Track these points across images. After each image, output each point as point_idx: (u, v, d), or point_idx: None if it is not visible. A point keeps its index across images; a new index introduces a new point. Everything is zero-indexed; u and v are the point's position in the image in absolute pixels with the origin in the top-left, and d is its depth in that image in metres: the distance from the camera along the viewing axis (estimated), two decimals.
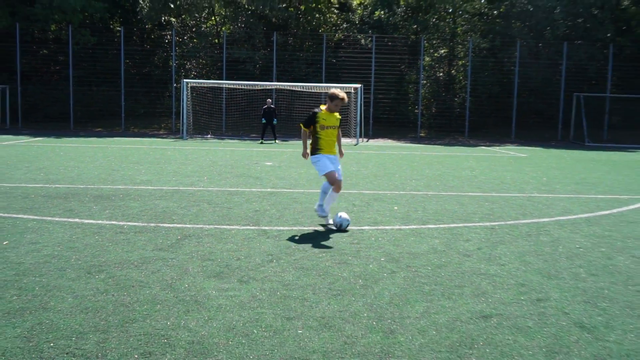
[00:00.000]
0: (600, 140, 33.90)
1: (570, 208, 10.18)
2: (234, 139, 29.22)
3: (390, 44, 35.43)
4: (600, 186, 13.46)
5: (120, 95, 33.44)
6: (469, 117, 34.74)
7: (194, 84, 31.00)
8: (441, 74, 38.05)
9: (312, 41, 35.99)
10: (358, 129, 29.64)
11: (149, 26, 36.89)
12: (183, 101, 29.34)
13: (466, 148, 27.52)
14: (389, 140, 31.46)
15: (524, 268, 6.19)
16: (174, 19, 37.05)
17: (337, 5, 37.43)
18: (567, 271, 6.13)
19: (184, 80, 30.06)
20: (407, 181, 13.41)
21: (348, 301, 4.99)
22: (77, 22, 32.33)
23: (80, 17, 32.42)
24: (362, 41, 36.27)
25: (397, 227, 8.18)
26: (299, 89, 31.03)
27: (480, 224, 8.56)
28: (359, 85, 29.49)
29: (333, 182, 8.05)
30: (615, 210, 10.04)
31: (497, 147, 28.45)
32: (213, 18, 38.22)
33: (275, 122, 26.88)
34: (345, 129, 31.02)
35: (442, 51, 37.81)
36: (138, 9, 36.54)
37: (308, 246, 6.87)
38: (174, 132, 32.37)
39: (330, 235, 7.48)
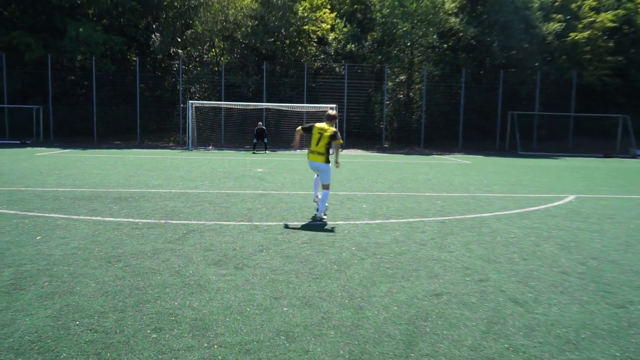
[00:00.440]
0: (530, 149, 34.34)
1: (506, 205, 10.30)
2: (231, 150, 29.08)
3: (359, 71, 35.55)
4: (530, 187, 13.63)
5: (136, 114, 33.11)
6: (424, 131, 34.95)
7: (198, 105, 30.85)
8: (401, 96, 38.23)
9: (295, 69, 35.98)
10: None
11: (160, 57, 36.61)
12: (188, 119, 29.16)
13: (422, 156, 27.70)
14: (359, 150, 31.55)
15: (468, 254, 6.25)
16: (180, 51, 36.78)
17: (315, 40, 37.47)
18: (503, 256, 6.20)
19: (189, 101, 29.89)
20: (373, 184, 13.46)
21: (325, 283, 5.00)
22: (99, 53, 31.98)
23: (102, 49, 32.08)
24: (337, 69, 36.32)
25: (366, 221, 8.21)
26: (285, 109, 31.15)
27: (433, 218, 8.62)
28: (334, 105, 29.50)
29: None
30: (542, 207, 10.18)
31: (447, 156, 28.68)
32: (213, 50, 38.02)
33: (265, 140, 27.03)
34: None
35: (402, 77, 38.01)
36: (151, 42, 36.21)
37: (292, 238, 6.87)
38: (181, 144, 32.13)
39: (310, 229, 7.48)
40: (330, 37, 37.88)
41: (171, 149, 29.20)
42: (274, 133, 32.00)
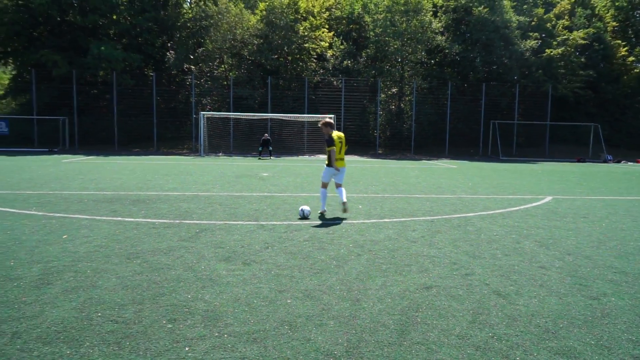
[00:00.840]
0: (510, 155, 34.35)
1: (489, 205, 10.28)
2: (239, 156, 29.06)
3: (355, 84, 35.58)
4: (511, 189, 13.61)
5: (152, 124, 33.10)
6: (414, 139, 34.98)
7: (209, 115, 30.82)
8: (393, 107, 38.25)
9: (297, 83, 35.99)
10: None
11: (174, 72, 36.61)
12: (200, 128, 29.16)
13: (412, 161, 27.69)
14: (355, 156, 31.53)
15: (455, 251, 6.22)
16: (193, 67, 36.81)
17: (315, 56, 37.50)
18: (487, 253, 6.17)
19: (201, 112, 29.89)
20: (368, 186, 13.44)
21: (325, 277, 4.98)
22: (119, 69, 32.00)
23: (122, 65, 32.10)
24: (334, 83, 36.36)
25: (362, 221, 8.18)
26: (288, 119, 31.18)
27: (423, 218, 8.60)
28: (332, 116, 29.45)
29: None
30: (522, 207, 10.15)
31: (435, 161, 28.66)
32: (223, 66, 38.05)
33: (270, 148, 27.09)
34: (322, 148, 31.06)
35: (394, 90, 38.05)
36: (166, 59, 36.28)
37: (295, 236, 6.84)
38: (194, 151, 32.09)
39: (311, 228, 7.46)
40: (329, 54, 37.94)
41: (185, 155, 29.18)
42: (278, 141, 32.03)
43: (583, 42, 37.23)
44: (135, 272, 4.99)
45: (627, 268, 5.57)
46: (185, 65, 36.35)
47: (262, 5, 35.17)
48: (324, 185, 8.82)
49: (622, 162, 32.23)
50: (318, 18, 36.38)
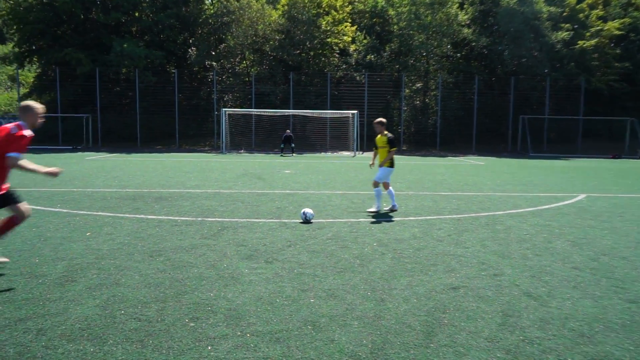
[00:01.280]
0: (540, 151, 33.65)
1: (518, 203, 10.09)
2: (261, 153, 29.24)
3: (378, 79, 35.35)
4: (541, 186, 13.34)
5: (175, 121, 33.56)
6: (440, 135, 34.60)
7: (231, 112, 31.12)
8: (418, 102, 37.91)
9: (319, 78, 35.97)
10: (355, 144, 29.59)
11: (196, 69, 37.05)
12: (222, 125, 29.43)
13: (438, 158, 27.40)
14: None
15: (483, 250, 6.12)
16: (215, 63, 37.16)
17: (338, 51, 37.41)
18: (517, 252, 6.05)
19: (223, 109, 30.20)
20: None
21: (348, 277, 4.95)
22: (142, 66, 32.51)
23: (144, 63, 32.60)
24: (357, 78, 36.19)
25: (386, 219, 8.12)
26: (310, 115, 31.22)
27: (450, 216, 8.49)
28: (355, 112, 29.48)
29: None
30: (553, 205, 9.94)
31: (462, 157, 28.30)
32: (244, 62, 38.31)
33: (293, 145, 27.16)
34: (345, 145, 31.01)
35: (418, 85, 37.70)
36: (188, 56, 36.77)
37: (318, 234, 6.83)
38: (216, 148, 32.43)
39: (334, 226, 7.43)
40: (351, 49, 37.79)
41: (207, 152, 29.51)
42: (300, 138, 32.08)
43: (618, 32, 36.16)
44: (158, 270, 5.05)
45: None
46: (207, 62, 36.72)
47: (283, 0, 35.24)
48: (387, 186, 9.04)
49: None
50: (340, 12, 36.26)
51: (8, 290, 4.41)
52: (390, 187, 9.08)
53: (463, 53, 37.43)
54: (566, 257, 5.88)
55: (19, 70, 37.15)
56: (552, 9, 35.53)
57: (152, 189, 11.34)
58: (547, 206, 9.77)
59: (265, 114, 31.60)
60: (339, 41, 36.22)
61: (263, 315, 3.92)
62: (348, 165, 20.92)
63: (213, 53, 36.58)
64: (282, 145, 27.34)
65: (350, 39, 36.66)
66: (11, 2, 33.83)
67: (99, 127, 33.35)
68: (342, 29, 35.95)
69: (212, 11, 37.22)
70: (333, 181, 13.80)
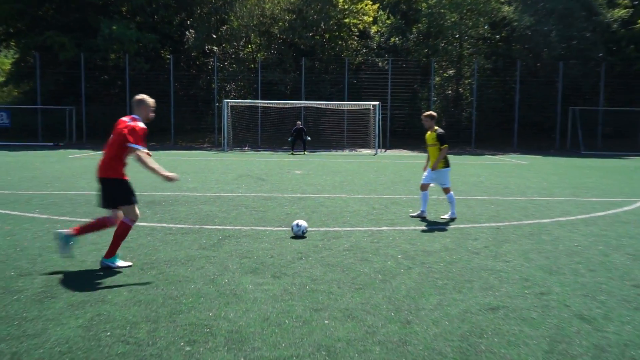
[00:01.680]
0: (594, 148, 33.25)
1: (568, 210, 9.97)
2: (268, 151, 29.35)
3: (404, 66, 35.30)
4: (595, 190, 13.17)
5: (170, 114, 33.81)
6: (475, 129, 34.42)
7: (234, 104, 31.30)
8: (450, 92, 37.77)
9: (335, 65, 36.05)
10: (377, 140, 29.52)
11: (195, 54, 37.37)
12: (224, 118, 29.62)
13: (473, 157, 27.23)
14: (404, 151, 31.29)
15: (527, 264, 6.05)
16: (216, 48, 37.45)
17: (357, 33, 37.45)
18: (567, 267, 5.97)
19: (225, 100, 30.38)
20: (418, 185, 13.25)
21: (369, 294, 4.92)
22: (132, 51, 32.85)
23: (135, 47, 32.93)
24: (380, 64, 36.22)
25: (412, 227, 8.07)
26: (325, 107, 31.25)
27: (487, 224, 8.42)
28: (377, 103, 29.43)
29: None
30: (610, 212, 9.80)
31: (501, 156, 28.10)
32: (249, 46, 38.53)
33: (308, 138, 27.14)
34: (365, 141, 30.97)
35: (451, 72, 37.56)
36: (185, 40, 37.07)
37: (333, 245, 6.81)
38: (216, 145, 32.65)
39: (352, 235, 7.41)
40: (373, 30, 37.79)
41: (206, 150, 29.71)
42: (314, 133, 32.07)
43: None
44: (150, 285, 5.08)
45: None
46: (207, 46, 37.01)
47: None
48: (448, 190, 9.02)
49: None
50: None
51: None
52: (452, 192, 9.02)
53: (503, 35, 37.17)
54: (625, 273, 5.78)
55: None
56: None
57: (143, 192, 11.40)
58: (601, 213, 9.64)
59: (274, 106, 31.72)
60: (359, 22, 36.24)
61: (269, 339, 3.91)
62: (368, 165, 20.88)
63: (214, 36, 36.85)
64: (291, 140, 27.27)
65: (371, 19, 36.66)
66: None
67: (83, 121, 33.77)
68: (362, 8, 35.97)
69: None
70: (351, 183, 13.77)
